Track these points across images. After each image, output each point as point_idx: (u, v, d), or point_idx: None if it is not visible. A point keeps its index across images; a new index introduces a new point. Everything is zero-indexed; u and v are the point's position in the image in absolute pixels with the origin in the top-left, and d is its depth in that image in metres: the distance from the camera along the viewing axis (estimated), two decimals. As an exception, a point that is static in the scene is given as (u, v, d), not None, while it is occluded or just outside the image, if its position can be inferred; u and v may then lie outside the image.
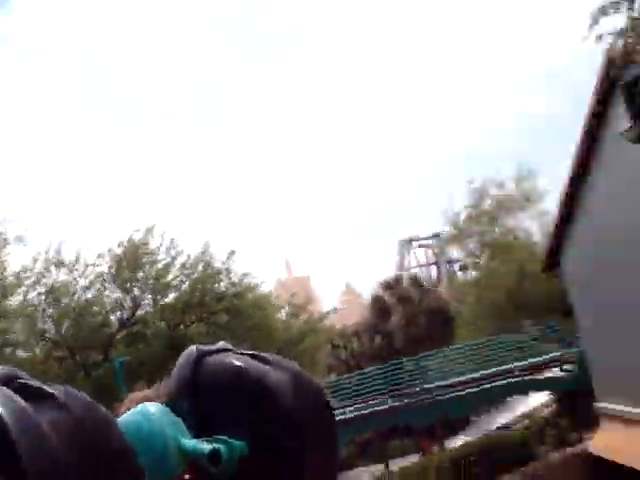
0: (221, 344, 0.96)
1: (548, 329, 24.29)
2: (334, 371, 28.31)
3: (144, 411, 0.88)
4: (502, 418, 32.62)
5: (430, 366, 23.20)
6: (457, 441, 27.75)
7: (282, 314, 27.05)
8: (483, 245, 31.85)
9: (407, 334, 26.58)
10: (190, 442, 0.86)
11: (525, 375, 21.48)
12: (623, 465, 15.94)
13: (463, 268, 52.14)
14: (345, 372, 26.22)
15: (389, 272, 73.50)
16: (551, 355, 22.76)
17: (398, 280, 28.70)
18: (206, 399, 0.91)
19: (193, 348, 0.94)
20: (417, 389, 21.48)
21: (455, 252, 46.32)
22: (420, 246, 71.95)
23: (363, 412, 20.25)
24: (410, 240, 73.32)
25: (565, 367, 22.03)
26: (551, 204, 34.40)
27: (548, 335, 24.09)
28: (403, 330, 26.72)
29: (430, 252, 72.42)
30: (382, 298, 28.10)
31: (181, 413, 0.89)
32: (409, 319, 26.93)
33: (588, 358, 18.63)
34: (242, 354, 0.93)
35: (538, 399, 30.24)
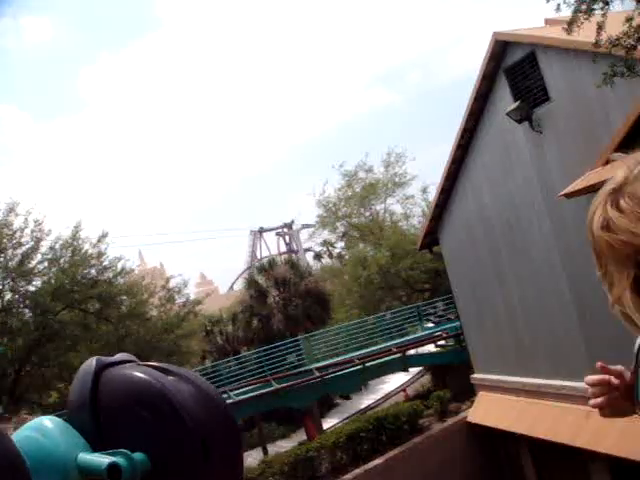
0: (123, 355, 0.94)
1: (423, 308, 25.22)
2: (210, 357, 27.80)
3: (40, 426, 0.84)
4: (368, 399, 33.62)
5: (312, 347, 23.37)
6: (329, 422, 28.18)
7: (155, 300, 26.05)
8: (352, 228, 32.51)
9: (285, 315, 26.60)
10: (88, 456, 0.81)
11: (402, 352, 22.11)
12: (500, 430, 16.88)
13: (317, 257, 53.07)
14: (222, 357, 25.81)
15: (241, 262, 73.87)
16: (427, 332, 23.63)
17: (272, 263, 28.63)
18: (107, 412, 0.88)
19: (93, 360, 0.91)
20: (301, 370, 21.56)
21: (311, 242, 46.99)
22: (277, 234, 72.70)
23: (249, 395, 20.01)
24: (261, 230, 73.91)
25: (440, 343, 22.97)
26: (417, 189, 35.99)
27: (423, 313, 25.00)
28: (281, 312, 26.70)
29: (282, 241, 73.42)
30: (257, 281, 27.92)
31: (81, 427, 0.86)
32: (286, 301, 26.95)
33: (465, 332, 19.47)
34: (144, 365, 0.91)
35: (402, 378, 31.43)
